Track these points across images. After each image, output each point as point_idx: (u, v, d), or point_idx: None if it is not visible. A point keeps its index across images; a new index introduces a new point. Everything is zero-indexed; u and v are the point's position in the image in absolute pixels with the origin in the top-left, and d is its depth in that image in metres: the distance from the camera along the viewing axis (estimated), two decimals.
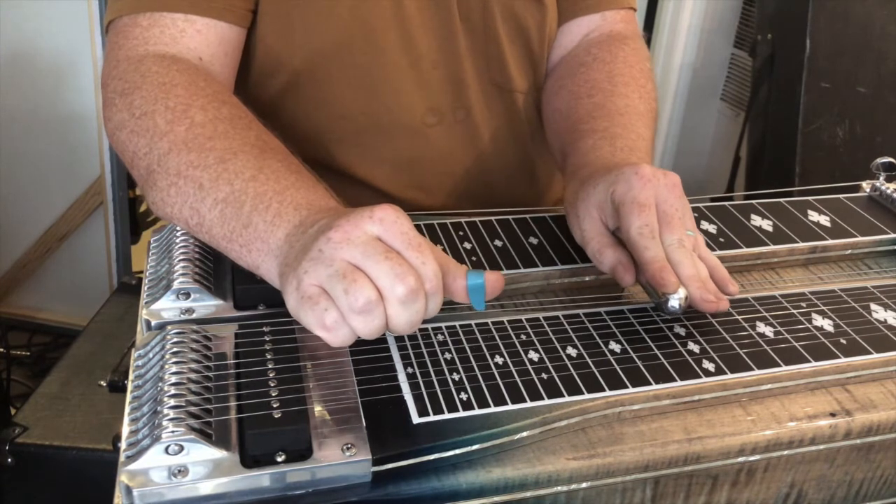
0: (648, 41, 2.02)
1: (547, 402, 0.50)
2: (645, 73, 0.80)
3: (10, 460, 1.04)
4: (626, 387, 0.52)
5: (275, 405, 0.47)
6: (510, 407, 0.49)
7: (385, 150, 0.78)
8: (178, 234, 0.60)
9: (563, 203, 0.68)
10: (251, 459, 0.44)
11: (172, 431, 0.44)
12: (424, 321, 0.50)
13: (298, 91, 0.75)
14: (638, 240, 0.57)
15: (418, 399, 0.49)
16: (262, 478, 0.44)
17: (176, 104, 0.61)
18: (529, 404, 0.50)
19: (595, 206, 0.62)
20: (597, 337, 0.56)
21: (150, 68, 0.64)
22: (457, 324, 0.56)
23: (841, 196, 0.79)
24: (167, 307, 0.55)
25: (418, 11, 0.74)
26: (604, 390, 0.51)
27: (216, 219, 0.56)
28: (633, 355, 0.55)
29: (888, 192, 0.78)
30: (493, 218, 0.70)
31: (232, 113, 0.63)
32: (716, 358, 0.55)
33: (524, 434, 0.49)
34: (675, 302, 0.55)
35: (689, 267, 0.57)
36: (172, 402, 0.45)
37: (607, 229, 0.62)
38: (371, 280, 0.47)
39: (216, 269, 0.59)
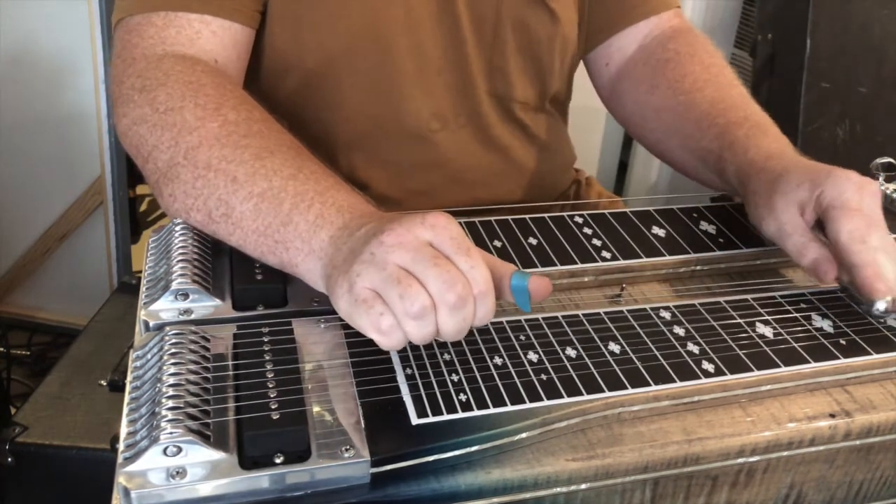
0: None
1: (546, 403, 0.50)
2: (724, 60, 0.83)
3: (10, 460, 1.04)
4: (626, 388, 0.52)
5: (273, 406, 0.47)
6: (509, 408, 0.49)
7: (388, 155, 0.78)
8: (176, 234, 0.60)
9: (746, 192, 0.69)
10: (249, 461, 0.44)
11: (170, 433, 0.43)
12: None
13: (307, 94, 0.76)
14: (849, 244, 0.59)
15: (417, 400, 0.49)
16: (260, 479, 0.44)
17: (206, 102, 0.61)
18: (529, 405, 0.50)
19: (796, 203, 0.63)
20: (596, 338, 0.56)
21: (174, 67, 0.64)
22: None
23: None
24: (165, 308, 0.55)
25: (429, 17, 0.74)
26: (603, 391, 0.51)
27: (249, 211, 0.57)
28: (633, 356, 0.54)
29: (888, 192, 0.78)
30: (492, 218, 0.70)
31: (264, 116, 0.63)
32: (715, 359, 0.55)
33: (523, 435, 0.49)
34: (881, 305, 0.58)
35: (892, 271, 0.59)
36: (170, 403, 0.45)
37: (807, 225, 0.63)
38: (422, 286, 0.47)
39: (215, 270, 0.59)
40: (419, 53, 0.75)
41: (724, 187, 0.76)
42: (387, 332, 0.48)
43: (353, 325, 0.50)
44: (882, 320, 0.60)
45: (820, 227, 0.63)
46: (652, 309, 0.60)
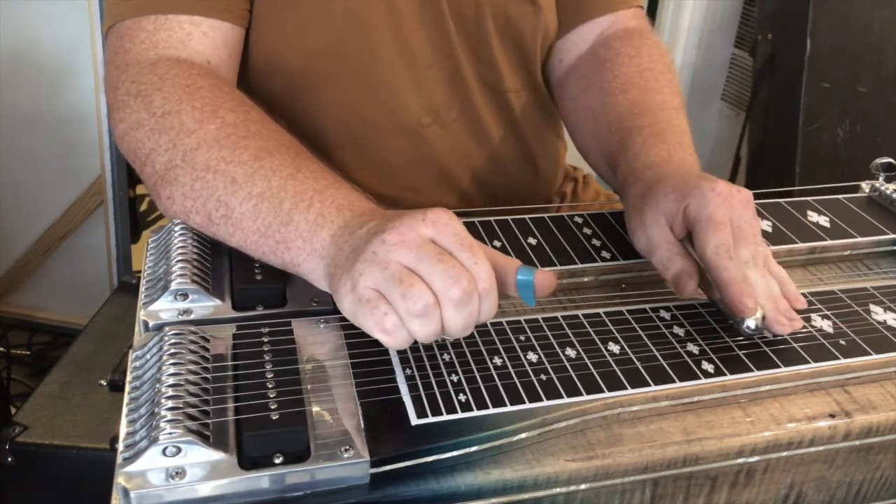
0: None
1: (545, 403, 0.50)
2: (669, 67, 0.80)
3: (10, 460, 1.04)
4: (625, 388, 0.52)
5: (273, 406, 0.47)
6: (509, 408, 0.49)
7: (381, 152, 0.78)
8: (176, 234, 0.60)
9: (624, 203, 0.67)
10: (249, 461, 0.44)
11: (170, 433, 0.43)
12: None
13: (294, 94, 0.75)
14: (715, 259, 0.57)
15: (417, 400, 0.49)
16: (259, 480, 0.44)
17: (203, 105, 0.61)
18: (528, 406, 0.50)
19: (664, 215, 0.61)
20: (595, 338, 0.56)
21: (168, 71, 0.64)
22: None
23: (840, 196, 0.78)
24: (165, 308, 0.55)
25: (411, 12, 0.74)
26: (603, 391, 0.51)
27: (249, 212, 0.57)
28: (632, 356, 0.54)
29: (888, 192, 0.78)
30: (491, 219, 0.70)
31: (262, 117, 0.63)
32: (715, 359, 0.55)
33: (523, 436, 0.49)
34: (751, 322, 0.56)
35: (763, 287, 0.58)
36: (170, 403, 0.45)
37: (675, 238, 0.61)
38: (426, 284, 0.47)
39: (214, 270, 0.59)
40: (406, 49, 0.75)
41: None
42: (391, 332, 0.48)
43: (357, 324, 0.50)
44: (752, 338, 0.57)
45: (691, 240, 0.60)
46: (652, 309, 0.60)
